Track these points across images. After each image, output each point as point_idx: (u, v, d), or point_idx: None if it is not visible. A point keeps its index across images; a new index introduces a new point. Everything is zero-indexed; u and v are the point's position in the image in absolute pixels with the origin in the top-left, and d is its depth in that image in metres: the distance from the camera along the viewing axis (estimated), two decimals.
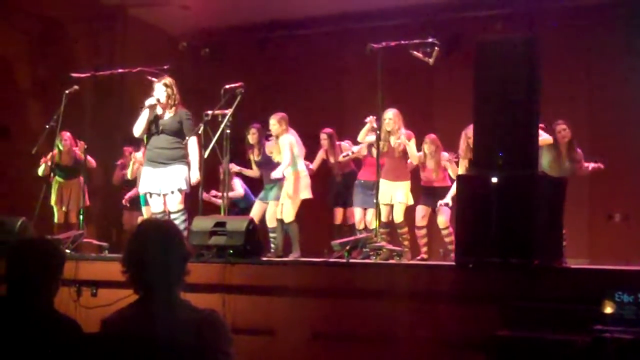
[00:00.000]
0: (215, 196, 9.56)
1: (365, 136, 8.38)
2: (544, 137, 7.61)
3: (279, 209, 8.56)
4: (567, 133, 7.93)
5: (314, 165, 9.26)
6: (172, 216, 7.19)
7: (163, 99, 7.28)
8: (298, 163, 8.53)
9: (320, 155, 9.42)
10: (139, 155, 9.33)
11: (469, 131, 7.99)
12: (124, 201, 9.97)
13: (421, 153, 8.66)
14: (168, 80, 7.38)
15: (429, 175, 8.75)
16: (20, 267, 3.24)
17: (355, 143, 8.88)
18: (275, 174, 8.42)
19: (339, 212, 9.52)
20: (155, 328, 2.83)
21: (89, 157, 9.02)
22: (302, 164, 8.60)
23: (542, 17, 10.01)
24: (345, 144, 9.27)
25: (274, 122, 8.55)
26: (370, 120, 8.18)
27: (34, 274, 3.21)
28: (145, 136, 7.46)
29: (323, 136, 9.36)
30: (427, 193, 8.72)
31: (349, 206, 9.31)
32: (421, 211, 8.70)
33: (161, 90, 7.30)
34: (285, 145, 8.45)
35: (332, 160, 9.36)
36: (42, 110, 9.51)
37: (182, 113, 7.33)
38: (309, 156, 9.09)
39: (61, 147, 9.46)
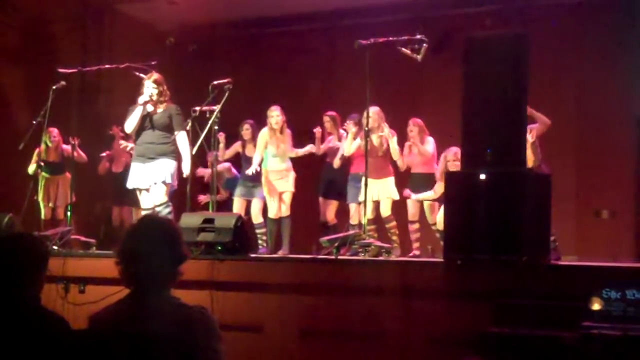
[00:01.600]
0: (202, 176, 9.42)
1: (351, 144, 8.40)
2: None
3: (274, 205, 8.53)
4: None
5: (324, 146, 9.10)
6: (156, 209, 7.17)
7: (155, 96, 7.30)
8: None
9: (328, 140, 9.16)
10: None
11: (449, 154, 8.07)
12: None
13: (407, 143, 8.66)
14: (157, 76, 7.39)
15: (413, 159, 8.66)
16: (3, 262, 3.21)
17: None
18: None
19: (321, 203, 9.24)
20: (145, 324, 2.82)
21: (80, 152, 9.00)
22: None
23: (532, 14, 10.02)
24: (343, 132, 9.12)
25: (279, 114, 8.54)
26: (347, 128, 8.45)
27: (18, 269, 3.18)
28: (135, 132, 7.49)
29: (326, 118, 9.21)
30: (414, 182, 8.65)
31: (329, 199, 9.17)
32: (412, 206, 8.65)
33: (152, 87, 7.31)
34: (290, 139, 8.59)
35: (333, 143, 9.17)
36: (29, 106, 9.45)
37: (172, 108, 7.38)
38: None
39: (49, 143, 9.41)
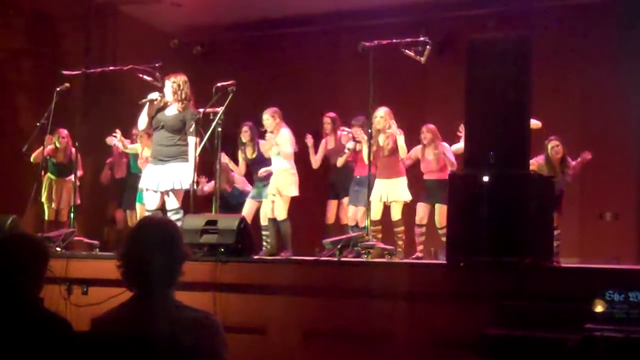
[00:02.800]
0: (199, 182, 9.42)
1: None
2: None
3: (269, 207, 8.55)
4: (559, 149, 8.26)
5: (319, 156, 9.14)
6: (168, 214, 7.17)
7: (169, 95, 7.28)
8: (287, 159, 8.54)
9: (323, 146, 9.19)
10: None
11: None
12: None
13: (419, 146, 8.65)
14: (178, 77, 7.34)
15: (427, 165, 8.62)
16: (3, 263, 3.20)
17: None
18: (274, 167, 8.51)
19: (331, 205, 9.26)
20: (149, 325, 2.82)
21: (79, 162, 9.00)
22: (292, 161, 8.60)
23: (535, 17, 10.03)
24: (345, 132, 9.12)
25: (268, 117, 8.54)
26: (357, 135, 8.46)
27: (17, 270, 3.18)
28: (150, 130, 7.53)
29: (326, 120, 9.20)
30: (428, 187, 8.59)
31: (341, 198, 9.14)
32: (422, 209, 8.60)
33: (168, 85, 7.31)
34: (287, 137, 8.49)
35: (330, 145, 9.15)
36: (33, 108, 9.48)
37: (188, 113, 7.28)
38: (302, 153, 9.06)
39: (58, 144, 9.46)
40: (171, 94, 7.29)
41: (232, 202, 9.34)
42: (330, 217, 9.29)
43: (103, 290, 5.80)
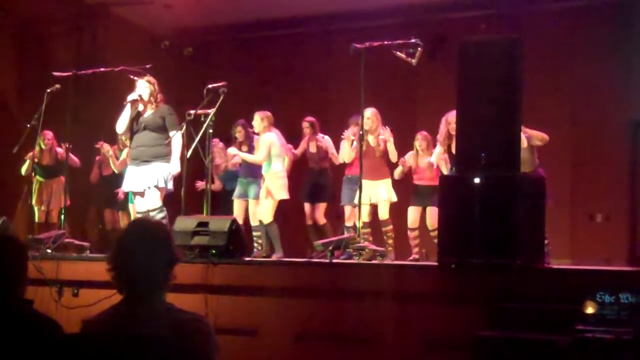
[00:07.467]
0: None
1: (350, 150, 8.47)
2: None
3: (258, 209, 8.52)
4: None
5: (298, 151, 9.11)
6: (150, 214, 7.13)
7: (145, 96, 7.28)
8: (274, 163, 8.48)
9: (304, 145, 9.18)
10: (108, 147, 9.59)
11: (450, 117, 7.96)
12: (119, 195, 9.79)
13: (412, 151, 8.65)
14: (151, 77, 7.37)
15: (421, 173, 8.64)
16: None
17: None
18: (235, 160, 8.86)
19: (307, 208, 9.17)
20: (139, 328, 2.81)
21: (72, 156, 8.95)
22: (280, 164, 8.54)
23: (526, 18, 10.05)
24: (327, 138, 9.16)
25: (257, 119, 8.57)
26: (347, 137, 8.44)
27: None
28: (128, 135, 7.47)
29: (305, 124, 9.20)
30: (419, 192, 8.61)
31: (316, 202, 9.10)
32: (413, 213, 8.60)
33: (144, 87, 7.29)
34: (264, 143, 8.46)
35: (312, 149, 9.15)
36: (23, 110, 9.44)
37: (164, 108, 7.31)
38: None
39: (43, 146, 9.42)
40: (147, 95, 7.30)
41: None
42: (307, 216, 9.25)
43: (94, 292, 5.79)
